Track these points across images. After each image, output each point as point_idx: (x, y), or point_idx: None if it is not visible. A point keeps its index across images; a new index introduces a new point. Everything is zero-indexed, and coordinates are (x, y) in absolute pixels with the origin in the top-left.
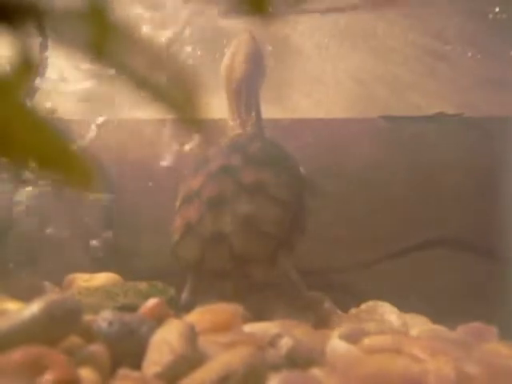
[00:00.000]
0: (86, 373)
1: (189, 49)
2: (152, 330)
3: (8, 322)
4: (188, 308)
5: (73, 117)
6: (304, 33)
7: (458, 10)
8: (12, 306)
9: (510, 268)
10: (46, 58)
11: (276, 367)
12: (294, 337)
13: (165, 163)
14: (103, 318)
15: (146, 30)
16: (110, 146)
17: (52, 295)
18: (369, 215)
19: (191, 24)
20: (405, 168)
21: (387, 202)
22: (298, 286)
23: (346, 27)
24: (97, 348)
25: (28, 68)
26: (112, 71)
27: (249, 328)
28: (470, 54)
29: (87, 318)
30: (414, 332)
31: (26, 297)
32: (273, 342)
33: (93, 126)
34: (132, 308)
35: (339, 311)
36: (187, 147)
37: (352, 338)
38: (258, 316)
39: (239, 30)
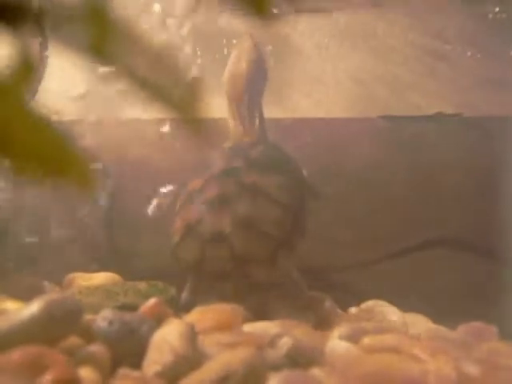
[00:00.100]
0: (85, 372)
1: (188, 49)
2: (152, 329)
3: (8, 322)
4: (188, 308)
5: (72, 117)
6: (304, 33)
7: (457, 10)
8: (12, 305)
9: (510, 268)
10: (46, 58)
11: (276, 367)
12: (293, 336)
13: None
14: (103, 318)
15: (145, 29)
16: (110, 146)
17: (52, 295)
18: (369, 215)
19: (191, 24)
20: (405, 168)
21: (387, 202)
22: (299, 286)
23: (346, 27)
24: (97, 348)
25: (28, 69)
26: (112, 71)
27: (249, 328)
28: (469, 54)
29: (87, 317)
30: (414, 332)
31: (25, 296)
32: (273, 341)
33: (92, 127)
34: (132, 308)
35: (339, 311)
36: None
37: (352, 338)
38: (259, 316)
39: (239, 30)
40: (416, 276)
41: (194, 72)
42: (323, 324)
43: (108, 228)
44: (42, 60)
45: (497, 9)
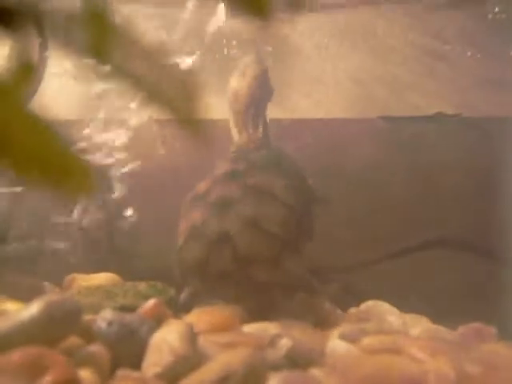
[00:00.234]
0: (85, 373)
1: (188, 49)
2: (152, 330)
3: (8, 323)
4: (187, 308)
5: (72, 117)
6: (304, 32)
7: (457, 10)
8: (12, 306)
9: (509, 268)
10: (46, 59)
11: (276, 367)
12: (293, 337)
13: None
14: (103, 319)
15: (144, 30)
16: (111, 147)
17: (52, 296)
18: (369, 215)
19: (190, 24)
20: (404, 168)
21: (387, 202)
22: (311, 288)
23: (345, 27)
24: (96, 348)
25: (27, 70)
26: (111, 72)
27: (248, 328)
28: (469, 54)
29: (87, 318)
30: (413, 332)
31: (25, 297)
32: (272, 342)
33: (92, 126)
34: (131, 308)
35: (339, 311)
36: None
37: (352, 338)
38: (262, 317)
39: (239, 30)
40: (416, 276)
41: (193, 73)
42: (323, 324)
43: (108, 228)
44: (42, 61)
45: (496, 9)
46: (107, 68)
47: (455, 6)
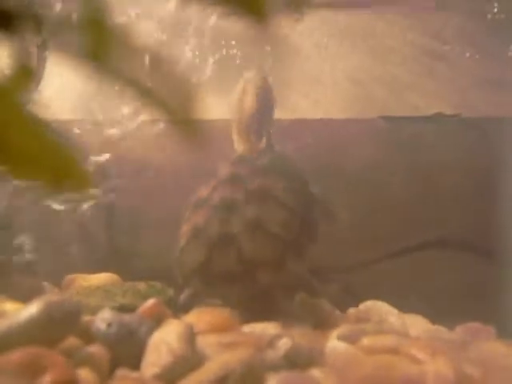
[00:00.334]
0: (84, 374)
1: (187, 49)
2: (151, 330)
3: (7, 323)
4: (186, 309)
5: (70, 117)
6: (303, 32)
7: (456, 10)
8: (11, 306)
9: (509, 268)
10: (45, 60)
11: (275, 368)
12: (292, 337)
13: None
14: (102, 319)
15: (143, 31)
16: (110, 147)
17: (51, 296)
18: (368, 215)
19: (189, 24)
20: (404, 168)
21: (387, 202)
22: (312, 289)
23: (345, 27)
24: (95, 349)
25: (26, 71)
26: (109, 74)
27: (247, 328)
28: (468, 54)
29: (86, 318)
30: (412, 332)
31: (25, 297)
32: (271, 342)
33: (90, 127)
34: (130, 308)
35: (338, 311)
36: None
37: (351, 339)
38: (264, 318)
39: (238, 30)
40: (416, 276)
41: (193, 73)
42: (322, 325)
43: (108, 228)
44: (41, 62)
45: (495, 9)
46: (105, 69)
47: (454, 6)
